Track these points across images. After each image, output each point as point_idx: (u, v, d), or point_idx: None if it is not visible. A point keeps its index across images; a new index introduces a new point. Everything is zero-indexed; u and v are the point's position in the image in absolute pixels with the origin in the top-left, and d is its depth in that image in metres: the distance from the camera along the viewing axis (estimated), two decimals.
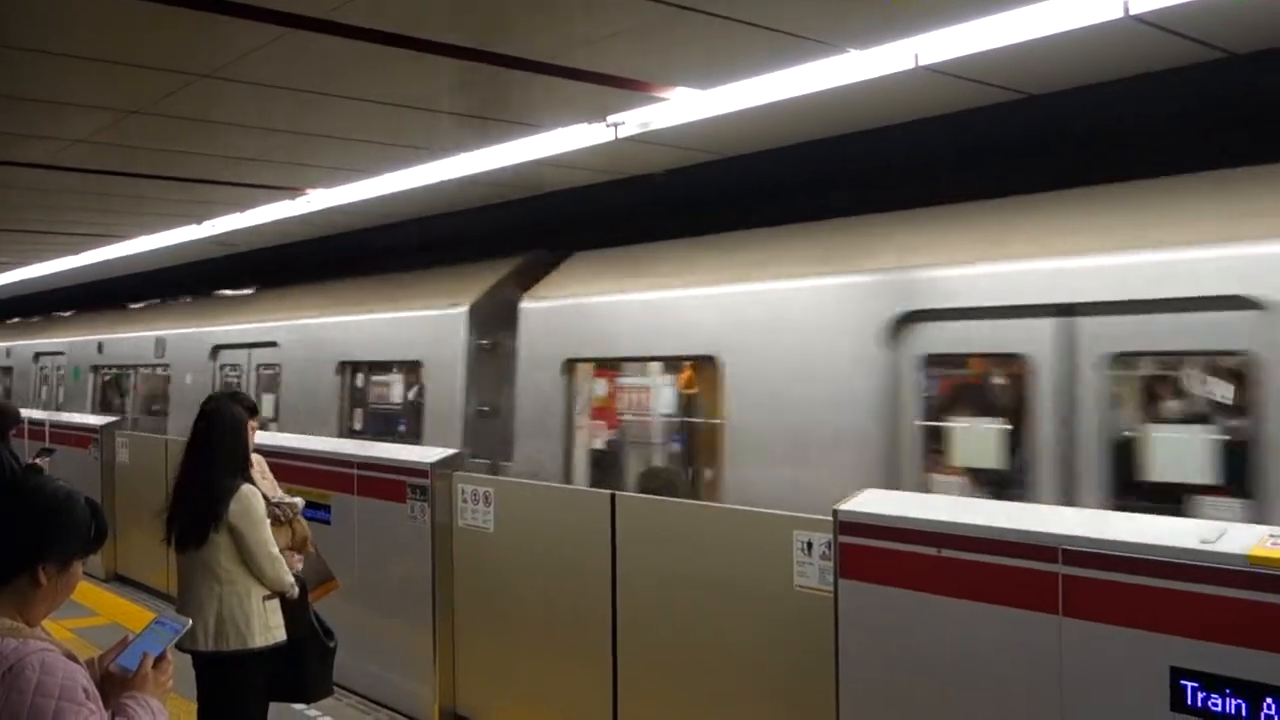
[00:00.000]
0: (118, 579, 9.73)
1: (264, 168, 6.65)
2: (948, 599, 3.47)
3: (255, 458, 4.42)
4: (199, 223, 9.09)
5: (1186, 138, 4.32)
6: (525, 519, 5.54)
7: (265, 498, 4.28)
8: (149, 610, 8.06)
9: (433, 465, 5.95)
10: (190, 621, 2.47)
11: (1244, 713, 2.82)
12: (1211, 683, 2.88)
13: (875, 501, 3.86)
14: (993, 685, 3.37)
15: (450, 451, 6.14)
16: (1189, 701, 2.92)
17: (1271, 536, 2.91)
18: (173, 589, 4.89)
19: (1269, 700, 2.78)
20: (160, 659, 2.25)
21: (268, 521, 4.16)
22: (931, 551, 3.52)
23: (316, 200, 7.69)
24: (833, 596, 3.81)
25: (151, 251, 10.84)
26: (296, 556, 4.44)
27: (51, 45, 4.31)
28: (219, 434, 4.16)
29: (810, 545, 4.07)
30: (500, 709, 5.68)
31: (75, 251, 11.52)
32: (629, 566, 4.89)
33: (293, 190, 7.47)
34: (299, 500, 4.58)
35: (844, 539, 3.77)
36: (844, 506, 3.84)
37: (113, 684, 2.19)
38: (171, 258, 11.59)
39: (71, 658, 2.07)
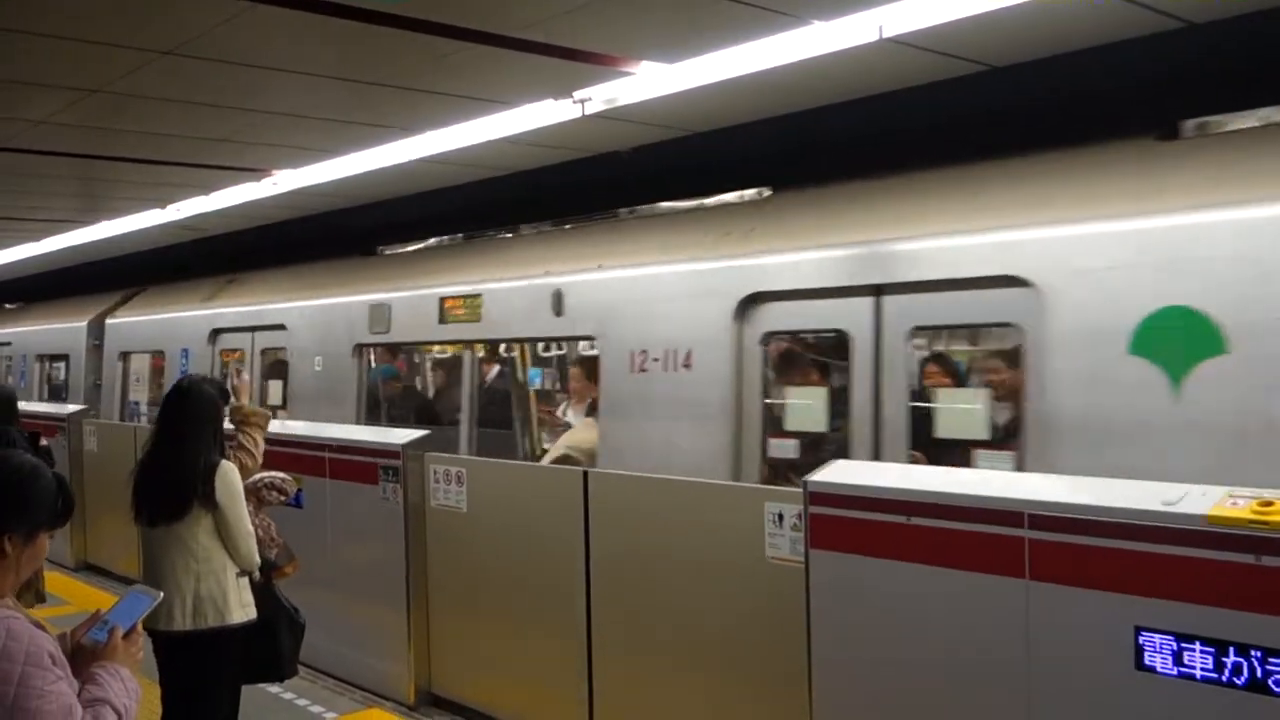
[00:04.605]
0: (88, 568, 9.64)
1: (228, 148, 6.57)
2: (917, 565, 3.51)
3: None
4: (163, 206, 8.98)
5: (1147, 108, 4.37)
6: (498, 498, 5.55)
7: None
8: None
9: (404, 446, 5.93)
10: (162, 594, 2.48)
11: (1207, 669, 2.88)
12: (1175, 641, 2.94)
13: (845, 472, 3.90)
14: (962, 649, 3.42)
15: (422, 432, 6.14)
16: (1153, 660, 2.98)
17: (1231, 497, 2.96)
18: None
19: (1230, 656, 2.84)
20: (131, 630, 2.26)
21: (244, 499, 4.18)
22: (901, 519, 3.56)
23: (283, 181, 7.61)
24: (804, 566, 3.85)
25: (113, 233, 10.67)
26: (277, 538, 4.50)
27: (5, 21, 4.22)
28: (198, 410, 4.14)
29: (781, 516, 4.10)
30: (475, 687, 5.70)
31: (36, 238, 11.34)
32: (602, 542, 4.90)
33: (258, 171, 7.39)
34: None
35: (814, 509, 3.80)
36: (814, 477, 3.88)
37: (84, 656, 2.21)
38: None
39: (39, 626, 2.08)
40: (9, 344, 14.25)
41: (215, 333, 9.27)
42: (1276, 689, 2.75)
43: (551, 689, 5.19)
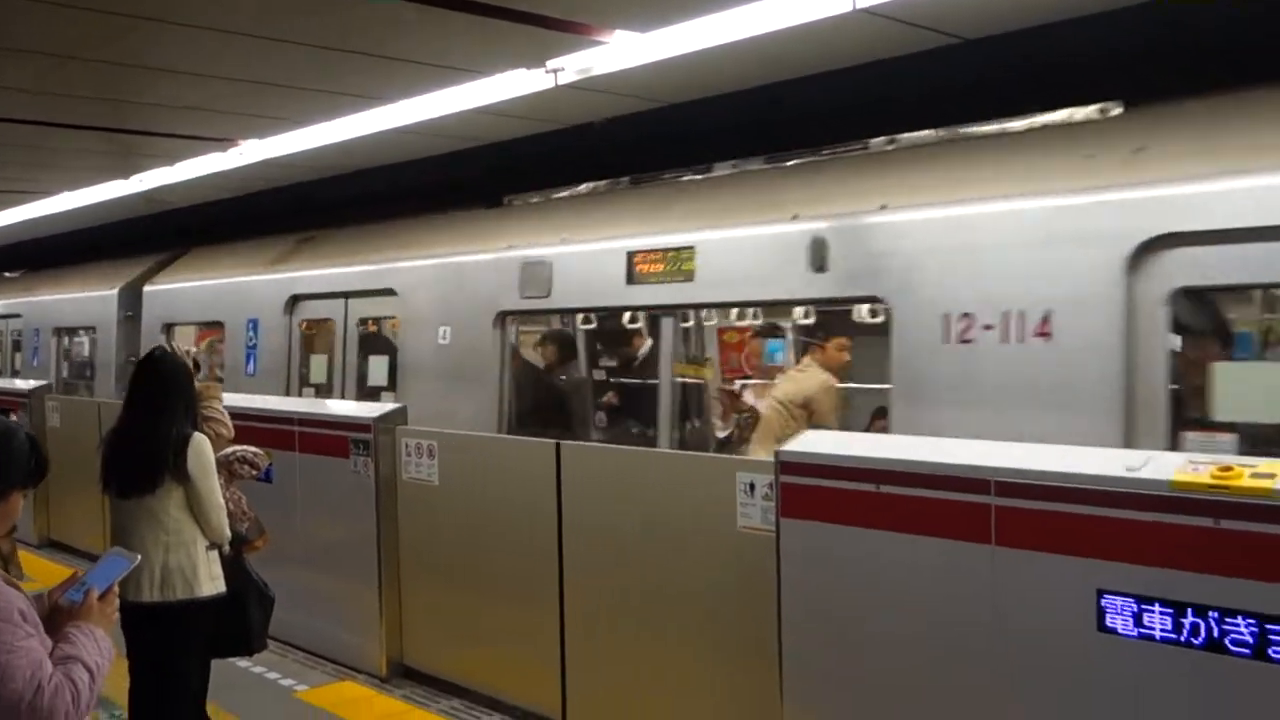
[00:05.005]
0: (51, 544, 9.55)
1: (196, 116, 6.47)
2: (886, 533, 3.57)
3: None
4: (127, 177, 8.84)
5: (1118, 80, 4.41)
6: (469, 470, 5.55)
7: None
8: None
9: (375, 419, 5.92)
10: (140, 557, 2.52)
11: (1166, 630, 2.95)
12: (1136, 603, 3.01)
13: (815, 441, 3.94)
14: (929, 614, 3.48)
15: (393, 406, 6.12)
16: (1114, 622, 3.05)
17: (1192, 462, 3.03)
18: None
19: (1189, 617, 2.91)
20: (107, 591, 2.29)
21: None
22: (870, 488, 3.61)
23: (250, 152, 7.51)
24: (775, 535, 3.89)
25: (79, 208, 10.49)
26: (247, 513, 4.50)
27: None
28: (172, 381, 4.12)
29: (753, 486, 4.14)
30: (448, 659, 5.72)
31: (3, 207, 11.13)
32: (574, 514, 4.93)
33: (225, 142, 7.29)
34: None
35: (785, 479, 3.85)
36: (786, 447, 3.92)
37: (61, 616, 2.23)
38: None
39: (10, 584, 2.09)
40: (18, 315, 12.43)
41: (294, 300, 7.91)
42: (1232, 648, 2.82)
43: (524, 659, 5.22)
